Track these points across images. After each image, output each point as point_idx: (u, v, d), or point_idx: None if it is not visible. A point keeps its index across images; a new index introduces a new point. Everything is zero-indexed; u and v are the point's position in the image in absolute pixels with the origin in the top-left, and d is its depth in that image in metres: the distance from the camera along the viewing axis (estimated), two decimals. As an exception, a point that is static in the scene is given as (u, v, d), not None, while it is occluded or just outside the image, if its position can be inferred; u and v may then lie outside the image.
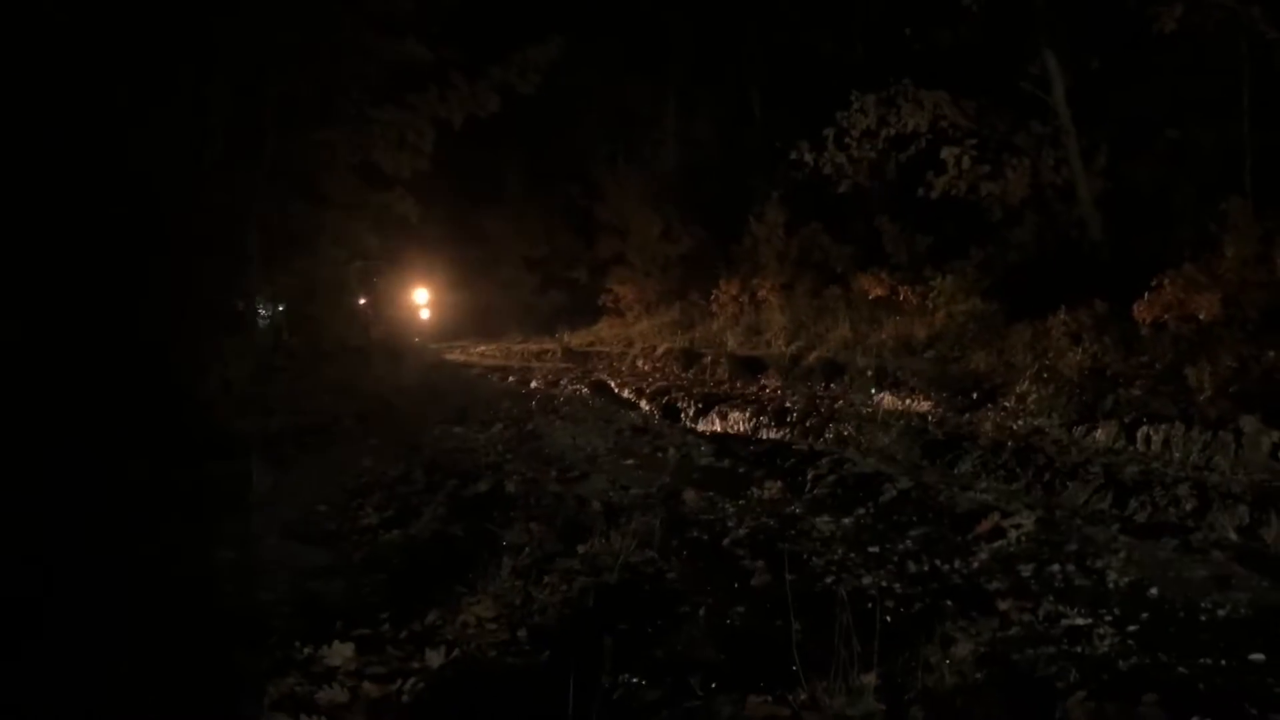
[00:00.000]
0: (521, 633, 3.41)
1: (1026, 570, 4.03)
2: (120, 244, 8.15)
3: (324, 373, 9.94)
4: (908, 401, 9.55)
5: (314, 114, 11.36)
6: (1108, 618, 3.47)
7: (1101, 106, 13.15)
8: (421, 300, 23.18)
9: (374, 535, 4.92)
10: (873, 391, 10.24)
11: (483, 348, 20.95)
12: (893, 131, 13.23)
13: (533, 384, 13.20)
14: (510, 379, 14.05)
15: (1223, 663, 3.10)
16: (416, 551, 4.53)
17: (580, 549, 4.27)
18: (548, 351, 18.93)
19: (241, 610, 3.82)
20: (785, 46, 18.67)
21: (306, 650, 3.26)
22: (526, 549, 4.26)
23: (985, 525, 4.60)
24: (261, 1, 9.44)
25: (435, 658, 3.23)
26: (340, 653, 3.24)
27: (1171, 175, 12.61)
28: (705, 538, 4.67)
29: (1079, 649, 3.20)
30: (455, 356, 19.32)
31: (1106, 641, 3.26)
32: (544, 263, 23.99)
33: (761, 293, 16.25)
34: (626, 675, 3.01)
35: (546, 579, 3.82)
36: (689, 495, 5.55)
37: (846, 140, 13.40)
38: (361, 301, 19.42)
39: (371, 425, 8.29)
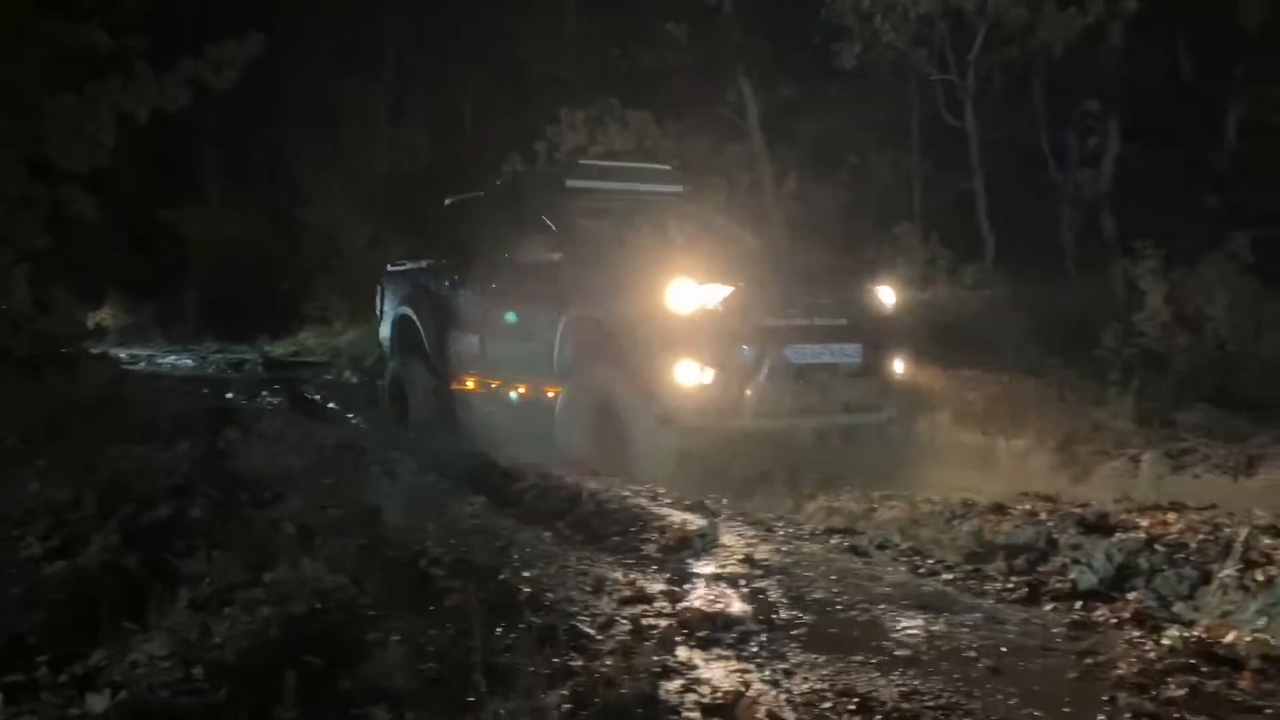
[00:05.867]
0: (197, 670, 3.23)
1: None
2: None
3: (-16, 387, 8.99)
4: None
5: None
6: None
7: (792, 134, 14.09)
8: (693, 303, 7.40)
9: (35, 568, 4.51)
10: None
11: (173, 357, 19.53)
12: (601, 148, 13.59)
13: (228, 396, 12.53)
14: (205, 390, 13.27)
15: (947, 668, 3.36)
16: (84, 585, 4.18)
17: (267, 577, 4.09)
18: (247, 361, 18.01)
19: None
20: (497, 60, 18.78)
21: (-55, 704, 2.95)
22: (207, 579, 4.04)
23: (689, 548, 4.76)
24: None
25: (98, 702, 3.01)
26: (-15, 704, 2.95)
27: (854, 200, 13.71)
28: (403, 558, 4.59)
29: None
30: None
31: (792, 645, 3.48)
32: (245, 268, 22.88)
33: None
34: (309, 710, 2.92)
35: (228, 611, 3.64)
36: (390, 514, 5.44)
37: (557, 155, 13.63)
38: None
39: (40, 444, 7.59)
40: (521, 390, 8.11)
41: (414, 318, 9.45)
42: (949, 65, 11.78)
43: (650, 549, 4.67)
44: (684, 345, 6.63)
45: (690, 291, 6.67)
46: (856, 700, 3.03)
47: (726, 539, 4.79)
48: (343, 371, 15.37)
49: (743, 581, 4.19)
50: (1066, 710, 3.05)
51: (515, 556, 4.52)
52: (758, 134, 13.41)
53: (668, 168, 9.44)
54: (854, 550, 4.87)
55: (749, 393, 6.61)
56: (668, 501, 5.65)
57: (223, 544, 4.76)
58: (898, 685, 3.20)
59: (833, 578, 4.33)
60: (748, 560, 4.46)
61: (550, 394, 7.57)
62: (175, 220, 22.61)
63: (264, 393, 12.80)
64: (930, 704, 3.05)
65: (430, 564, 4.38)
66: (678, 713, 2.87)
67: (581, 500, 5.48)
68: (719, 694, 2.96)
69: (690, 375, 6.58)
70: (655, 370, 6.64)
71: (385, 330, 10.22)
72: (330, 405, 12.05)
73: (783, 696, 2.98)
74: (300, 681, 3.04)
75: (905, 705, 3.02)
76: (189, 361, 18.94)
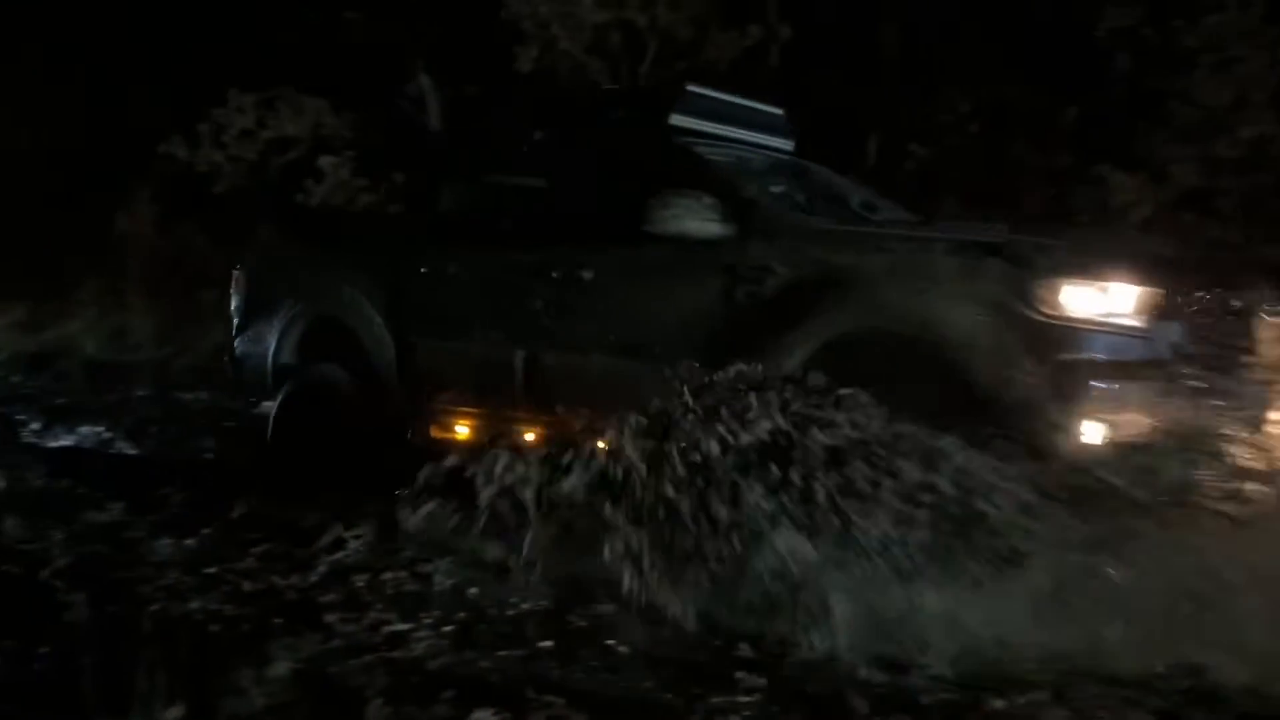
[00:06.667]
0: None
1: (361, 580, 4.20)
2: None
3: None
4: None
5: None
6: (428, 620, 3.74)
7: (476, 131, 14.11)
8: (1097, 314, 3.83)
9: None
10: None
11: None
12: (272, 134, 13.07)
13: None
14: None
15: (519, 653, 3.49)
16: None
17: None
18: None
19: None
20: (159, 35, 17.58)
21: None
22: None
23: (329, 537, 4.71)
24: None
25: None
26: None
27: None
28: (20, 570, 4.24)
29: (396, 654, 3.42)
30: None
31: (423, 644, 3.52)
32: None
33: (130, 294, 15.05)
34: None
35: None
36: (11, 523, 5.01)
37: (223, 139, 13.00)
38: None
39: None
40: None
41: (351, 320, 5.90)
42: (622, 75, 12.21)
43: (301, 554, 4.57)
44: (1085, 385, 3.76)
45: (1089, 296, 3.84)
46: (498, 690, 3.12)
47: (375, 549, 4.72)
48: (-32, 370, 13.84)
49: (393, 582, 4.20)
50: (695, 691, 3.25)
51: (149, 565, 4.29)
52: (439, 128, 13.33)
53: (781, 112, 6.46)
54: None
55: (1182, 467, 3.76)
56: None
57: None
58: (536, 675, 3.32)
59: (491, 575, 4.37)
60: (408, 563, 4.43)
61: None
62: None
63: None
64: (568, 689, 3.18)
65: (52, 575, 4.08)
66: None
67: (232, 507, 5.26)
68: (350, 693, 2.96)
69: (1096, 437, 3.76)
70: (1025, 424, 3.79)
71: (262, 341, 6.40)
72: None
73: (413, 693, 3.02)
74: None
75: (536, 693, 3.14)
76: None
